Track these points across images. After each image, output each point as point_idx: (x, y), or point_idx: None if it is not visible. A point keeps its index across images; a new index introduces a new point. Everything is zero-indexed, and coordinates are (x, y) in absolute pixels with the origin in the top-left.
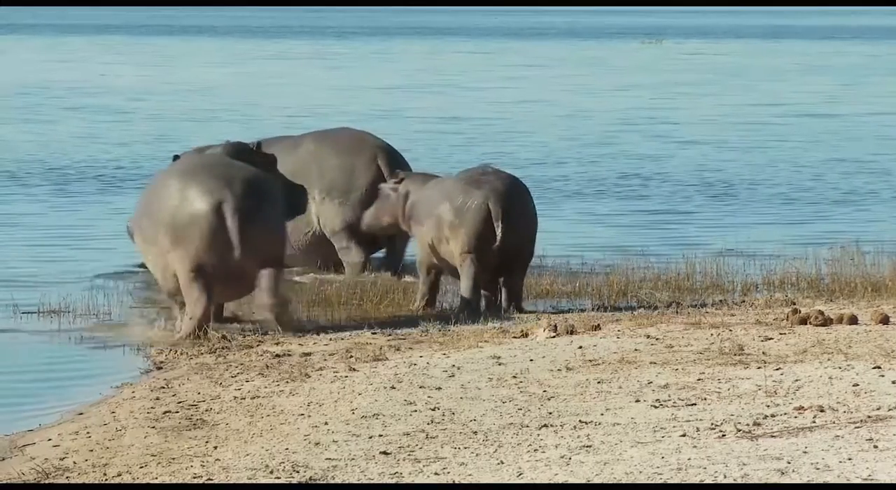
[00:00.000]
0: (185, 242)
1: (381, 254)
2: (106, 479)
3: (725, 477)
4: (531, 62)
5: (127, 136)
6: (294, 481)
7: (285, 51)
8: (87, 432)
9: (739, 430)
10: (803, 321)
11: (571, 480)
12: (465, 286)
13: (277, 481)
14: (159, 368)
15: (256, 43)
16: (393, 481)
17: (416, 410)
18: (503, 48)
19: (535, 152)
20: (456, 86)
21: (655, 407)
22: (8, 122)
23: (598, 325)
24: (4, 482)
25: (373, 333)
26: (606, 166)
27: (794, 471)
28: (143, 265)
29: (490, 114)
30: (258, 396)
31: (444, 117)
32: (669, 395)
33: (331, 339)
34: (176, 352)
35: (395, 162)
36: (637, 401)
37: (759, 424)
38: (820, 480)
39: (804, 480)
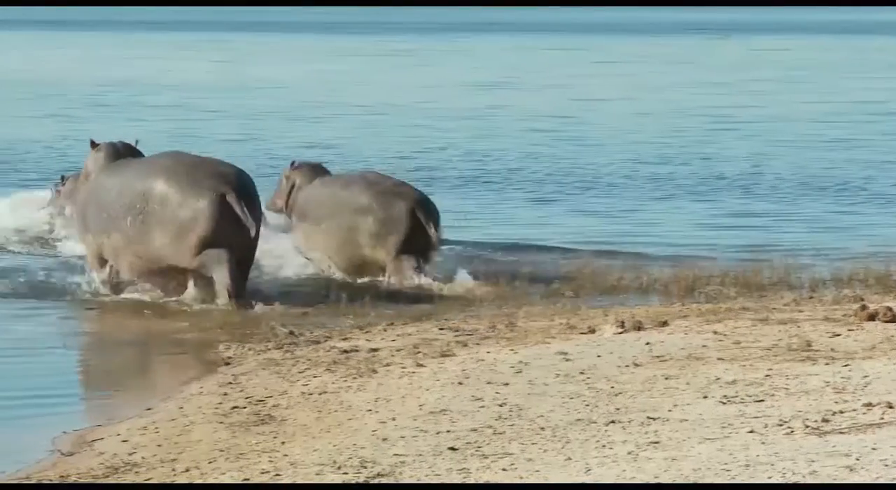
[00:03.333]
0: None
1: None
2: (174, 475)
3: (794, 474)
4: (610, 58)
5: (219, 134)
6: (361, 477)
7: (360, 47)
8: (156, 428)
9: (808, 427)
10: (872, 317)
11: (639, 477)
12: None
13: (345, 477)
14: (227, 364)
15: (328, 40)
16: (461, 477)
17: (483, 406)
18: (580, 44)
19: (626, 151)
20: (538, 83)
21: (723, 403)
22: (96, 120)
23: (666, 321)
24: (74, 477)
25: (440, 329)
26: (688, 163)
27: (862, 468)
28: None
29: (576, 112)
30: (326, 392)
31: (534, 115)
32: (737, 392)
33: (398, 335)
34: (244, 347)
35: None
36: (704, 397)
37: (827, 421)
38: (889, 477)
39: (873, 477)
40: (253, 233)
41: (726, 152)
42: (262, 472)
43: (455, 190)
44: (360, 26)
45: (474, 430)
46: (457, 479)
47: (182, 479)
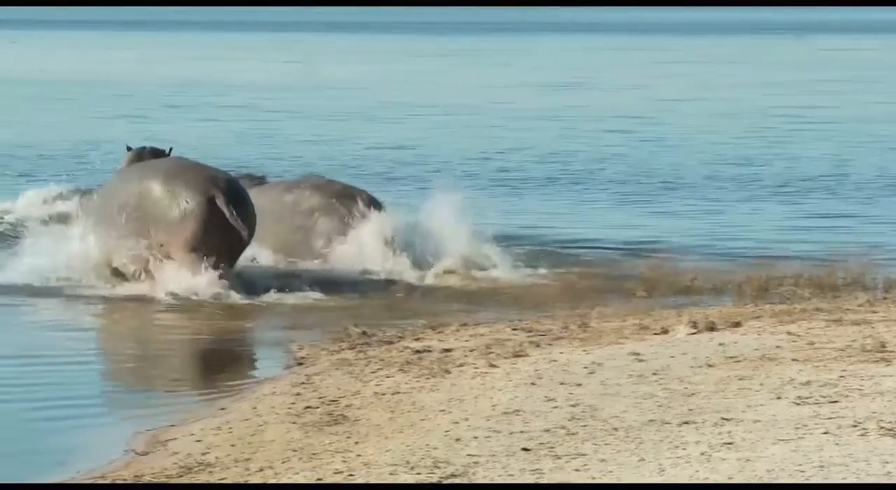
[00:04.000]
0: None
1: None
2: (248, 475)
3: (868, 475)
4: (678, 59)
5: (290, 135)
6: (434, 477)
7: (427, 48)
8: (229, 427)
9: (882, 428)
10: None
11: (713, 477)
12: None
13: (418, 477)
14: (300, 364)
15: (396, 40)
16: (534, 478)
17: (556, 407)
18: (646, 44)
19: (706, 152)
20: (609, 83)
21: (797, 404)
22: (167, 120)
23: (739, 321)
24: (148, 477)
25: (513, 330)
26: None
27: None
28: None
29: (652, 112)
30: (399, 392)
31: (608, 116)
32: (811, 393)
33: (471, 336)
34: (317, 347)
35: None
36: (778, 398)
37: None
38: None
39: None
40: (244, 234)
41: (808, 153)
42: (336, 472)
43: (536, 190)
44: (425, 26)
45: (547, 430)
46: (529, 479)
47: (256, 479)
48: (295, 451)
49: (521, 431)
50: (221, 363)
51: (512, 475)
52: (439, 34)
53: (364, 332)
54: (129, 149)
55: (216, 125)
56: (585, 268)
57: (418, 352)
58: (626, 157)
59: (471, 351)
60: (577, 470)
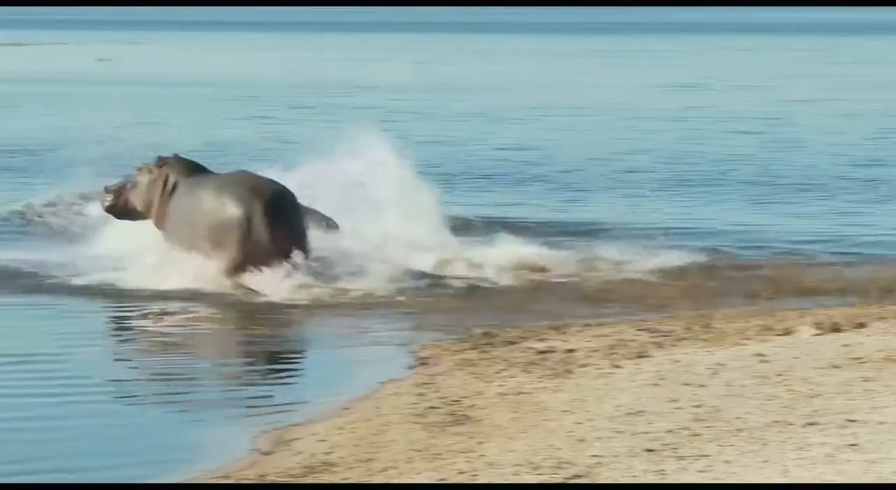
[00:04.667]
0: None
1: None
2: (371, 475)
3: None
4: (801, 60)
5: (417, 136)
6: (558, 478)
7: (553, 49)
8: (353, 427)
9: None
10: None
11: (838, 479)
12: None
13: (541, 477)
14: (423, 364)
15: (521, 40)
16: (657, 479)
17: (679, 407)
18: (768, 45)
19: (837, 153)
20: (734, 84)
21: None
22: (294, 121)
23: (864, 322)
24: (272, 476)
25: (637, 330)
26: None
27: None
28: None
29: (780, 113)
30: (522, 392)
31: (735, 117)
32: None
33: (594, 336)
34: (440, 347)
35: None
36: None
37: None
38: None
39: None
40: (270, 249)
41: None
42: (459, 473)
43: (665, 191)
44: (548, 27)
45: (670, 431)
46: (653, 480)
47: (379, 479)
48: (418, 451)
49: (645, 432)
50: (345, 363)
51: (635, 476)
52: (562, 35)
53: (487, 333)
54: (160, 158)
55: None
56: (709, 268)
57: (542, 352)
58: (755, 159)
59: (594, 351)
60: (700, 471)
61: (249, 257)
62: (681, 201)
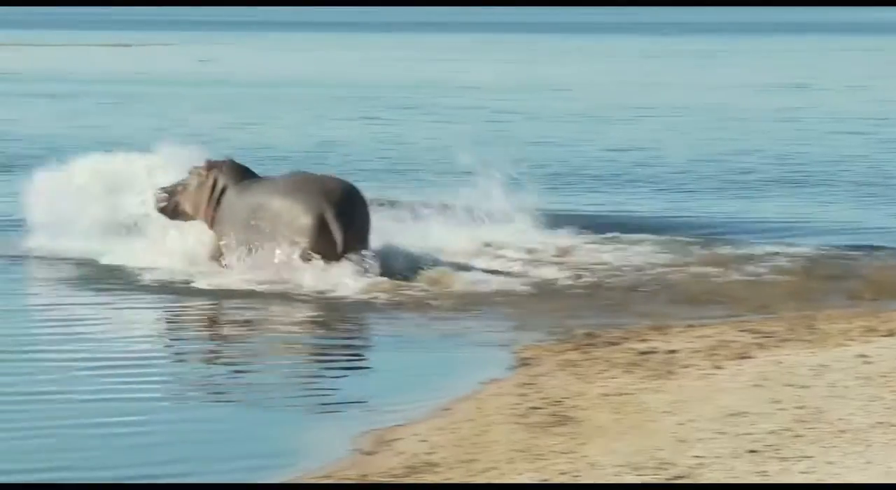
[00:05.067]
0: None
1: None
2: (472, 475)
3: None
4: None
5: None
6: (660, 478)
7: (656, 49)
8: (454, 427)
9: None
10: None
11: None
12: None
13: (643, 478)
14: (525, 365)
15: (624, 40)
16: (759, 480)
17: (782, 408)
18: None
19: None
20: (840, 84)
21: None
22: (401, 122)
23: None
24: (374, 476)
25: (739, 331)
26: None
27: None
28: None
29: (888, 114)
30: (624, 393)
31: (841, 117)
32: None
33: (696, 337)
34: (541, 348)
35: None
36: None
37: None
38: None
39: None
40: (340, 248)
41: None
42: (561, 473)
43: (773, 192)
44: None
45: (773, 432)
46: (755, 481)
47: (480, 480)
48: (520, 451)
49: (747, 433)
50: (446, 363)
51: (737, 477)
52: (663, 35)
53: (589, 333)
54: (209, 162)
55: (448, 127)
56: (812, 269)
57: (643, 353)
58: (863, 159)
59: (696, 352)
60: (803, 472)
61: (323, 256)
62: (788, 202)
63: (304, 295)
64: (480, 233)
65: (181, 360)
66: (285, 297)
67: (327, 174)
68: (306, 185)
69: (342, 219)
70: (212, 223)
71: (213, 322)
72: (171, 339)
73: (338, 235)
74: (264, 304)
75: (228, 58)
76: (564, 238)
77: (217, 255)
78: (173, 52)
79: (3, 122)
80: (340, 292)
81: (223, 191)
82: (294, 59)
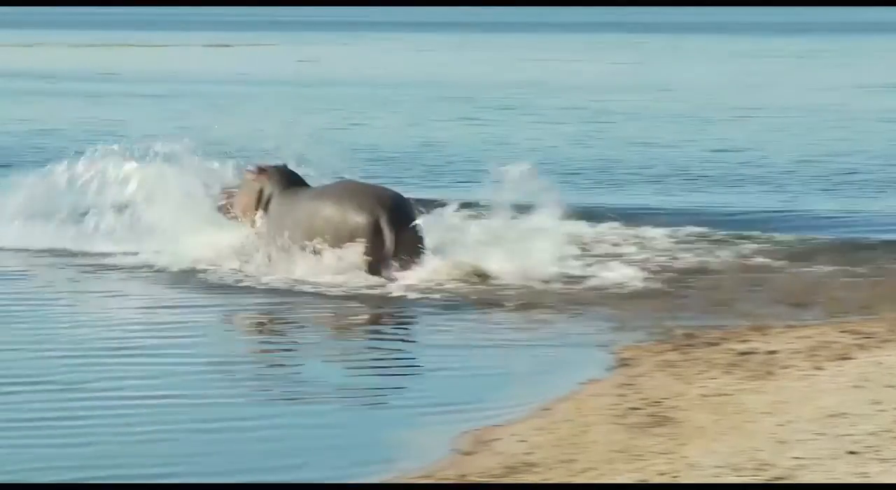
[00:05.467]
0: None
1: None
2: (571, 475)
3: None
4: None
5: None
6: (759, 479)
7: (759, 49)
8: (553, 428)
9: None
10: None
11: None
12: None
13: (742, 479)
14: (624, 365)
15: (726, 40)
16: (860, 481)
17: (882, 410)
18: None
19: None
20: None
21: None
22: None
23: None
24: (473, 476)
25: (839, 332)
26: None
27: None
28: None
29: None
30: (723, 394)
31: None
32: None
33: (796, 337)
34: (640, 348)
35: None
36: None
37: None
38: None
39: None
40: (391, 253)
41: None
42: (660, 474)
43: (880, 193)
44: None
45: (873, 433)
46: (855, 482)
47: (580, 480)
48: (619, 452)
49: (847, 434)
50: (545, 363)
51: (836, 478)
52: (764, 35)
53: (688, 334)
54: (259, 167)
55: (551, 128)
56: None
57: (743, 353)
58: None
59: (796, 353)
60: None
61: (375, 261)
62: (895, 202)
63: (378, 296)
64: (574, 229)
65: (279, 362)
66: (356, 298)
67: (375, 184)
68: (358, 191)
69: (394, 226)
70: (256, 226)
71: (292, 324)
72: (264, 341)
73: (390, 240)
74: (336, 306)
75: (327, 58)
76: (663, 237)
77: (252, 257)
78: (276, 53)
79: (111, 122)
80: (401, 293)
81: (269, 198)
82: (396, 59)
